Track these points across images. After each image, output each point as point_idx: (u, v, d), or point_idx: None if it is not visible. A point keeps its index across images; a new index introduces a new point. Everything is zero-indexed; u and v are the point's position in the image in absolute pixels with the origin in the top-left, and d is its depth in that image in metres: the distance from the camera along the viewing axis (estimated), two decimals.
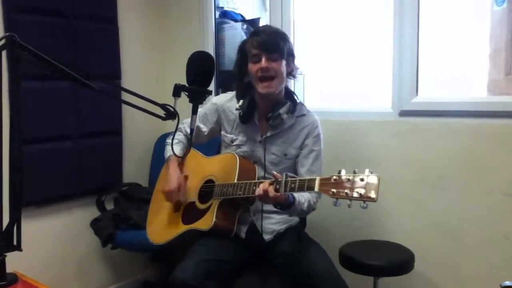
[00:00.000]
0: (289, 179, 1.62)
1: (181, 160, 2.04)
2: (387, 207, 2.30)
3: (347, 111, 2.51)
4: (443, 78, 2.43)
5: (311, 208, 1.92)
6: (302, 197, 1.83)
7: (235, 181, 1.85)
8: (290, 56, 1.94)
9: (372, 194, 1.38)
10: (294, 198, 1.77)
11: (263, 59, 1.86)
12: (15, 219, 1.28)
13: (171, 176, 2.01)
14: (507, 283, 1.35)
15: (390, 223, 2.31)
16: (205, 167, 2.05)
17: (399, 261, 2.02)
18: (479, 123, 2.09)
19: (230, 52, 3.00)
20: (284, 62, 1.90)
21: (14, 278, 1.40)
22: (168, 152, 2.10)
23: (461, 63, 2.41)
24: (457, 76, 2.41)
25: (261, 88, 1.89)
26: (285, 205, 1.77)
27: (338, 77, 2.76)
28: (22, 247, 1.30)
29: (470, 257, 2.14)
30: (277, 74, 1.88)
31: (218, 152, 2.26)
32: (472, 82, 2.45)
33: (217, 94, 2.93)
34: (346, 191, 1.43)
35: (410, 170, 2.27)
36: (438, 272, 2.24)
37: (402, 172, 2.28)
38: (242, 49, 1.95)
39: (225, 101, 2.08)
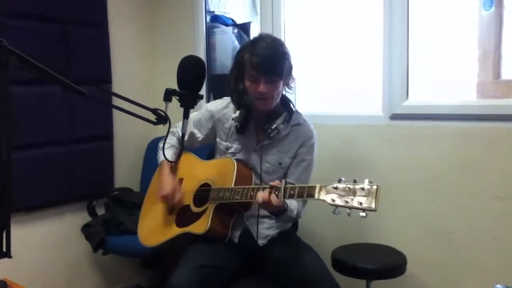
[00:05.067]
0: (288, 185, 1.64)
1: (173, 165, 2.03)
2: (379, 211, 2.29)
3: (338, 115, 2.52)
4: (433, 82, 2.45)
5: (298, 216, 1.95)
6: (292, 205, 1.85)
7: (232, 185, 1.85)
8: (289, 70, 1.90)
9: (372, 204, 1.41)
10: (287, 205, 1.79)
11: (261, 83, 1.82)
12: (4, 225, 1.26)
13: (165, 180, 2.00)
14: (499, 286, 1.36)
15: (382, 226, 2.31)
16: (201, 170, 2.05)
17: (392, 264, 2.03)
18: (469, 126, 2.11)
19: (221, 56, 3.00)
20: (282, 82, 1.88)
21: (4, 285, 1.39)
22: (160, 156, 2.10)
23: (451, 67, 2.42)
24: (447, 80, 2.43)
25: (258, 104, 1.89)
26: (279, 212, 1.79)
27: (328, 81, 2.77)
28: (12, 253, 1.28)
29: (461, 259, 2.15)
30: (273, 95, 1.87)
31: (209, 156, 2.25)
32: (462, 86, 2.47)
33: (208, 98, 2.94)
34: (346, 199, 1.45)
35: (401, 173, 2.28)
36: (430, 275, 2.25)
37: (393, 176, 2.29)
38: (239, 62, 1.90)
39: (220, 109, 2.07)
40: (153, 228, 2.08)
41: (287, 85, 1.95)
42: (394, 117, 2.31)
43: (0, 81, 1.25)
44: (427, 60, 2.39)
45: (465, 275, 2.15)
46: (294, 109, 2.02)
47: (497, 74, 2.39)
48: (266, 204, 1.69)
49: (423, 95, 2.36)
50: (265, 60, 1.81)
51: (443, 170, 2.18)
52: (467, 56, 2.44)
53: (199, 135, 2.10)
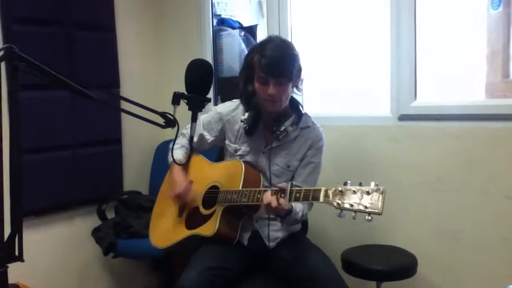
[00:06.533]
0: (294, 188, 1.64)
1: (184, 166, 2.05)
2: (388, 212, 2.26)
3: (346, 116, 2.51)
4: (442, 82, 2.43)
5: (302, 218, 1.94)
6: (298, 207, 1.84)
7: (240, 188, 1.85)
8: (298, 72, 1.90)
9: (378, 207, 1.41)
10: (292, 207, 1.78)
11: (271, 85, 1.81)
12: (16, 229, 1.27)
13: (177, 180, 2.01)
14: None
15: (392, 227, 2.31)
16: (210, 173, 2.05)
17: (402, 265, 2.02)
18: (478, 126, 2.09)
19: (228, 59, 3.01)
20: (291, 84, 1.87)
21: None
22: (171, 157, 2.11)
23: (459, 67, 2.41)
24: (455, 80, 2.42)
25: (266, 106, 1.89)
26: (285, 214, 1.78)
27: (336, 82, 2.76)
28: (24, 257, 1.29)
29: (471, 260, 2.14)
30: (282, 97, 1.86)
31: (218, 158, 2.26)
32: (470, 85, 2.46)
33: (215, 101, 2.94)
34: (351, 202, 1.45)
35: (410, 174, 2.27)
36: (440, 276, 2.23)
37: (402, 176, 2.28)
38: (249, 64, 1.90)
39: (229, 111, 2.07)
40: (163, 230, 2.09)
41: (296, 87, 1.95)
42: (402, 117, 2.30)
43: (11, 86, 1.27)
44: (435, 60, 2.38)
45: (476, 275, 2.13)
46: (303, 112, 2.02)
47: (506, 73, 2.38)
48: (274, 209, 1.69)
49: (431, 95, 2.34)
50: (274, 62, 1.80)
51: (452, 170, 2.17)
52: (475, 56, 2.43)
53: (209, 137, 2.10)
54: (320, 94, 2.77)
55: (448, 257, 2.20)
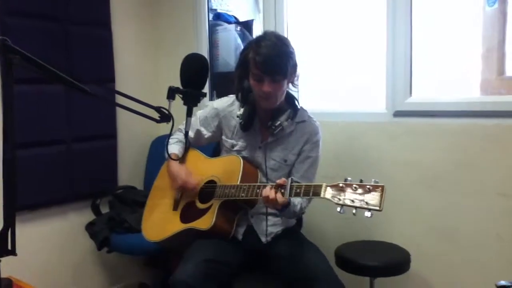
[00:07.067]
0: (294, 184, 1.64)
1: (180, 161, 2.04)
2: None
3: (341, 112, 2.51)
4: (437, 79, 2.44)
5: (301, 211, 1.95)
6: (296, 200, 1.84)
7: (238, 183, 1.85)
8: (293, 68, 1.89)
9: (378, 204, 1.42)
10: (290, 199, 1.77)
11: (265, 83, 1.81)
12: (9, 223, 1.27)
13: (177, 171, 2.03)
14: (503, 282, 1.35)
15: (386, 223, 2.31)
16: (207, 167, 2.05)
17: (395, 261, 2.03)
18: (473, 123, 2.10)
19: (224, 54, 3.00)
20: (286, 81, 1.86)
21: (9, 283, 1.39)
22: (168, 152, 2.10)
23: (454, 64, 2.41)
24: (450, 77, 2.42)
25: (261, 103, 1.89)
26: (283, 207, 1.78)
27: (331, 78, 2.76)
28: (17, 251, 1.29)
29: (465, 256, 2.15)
30: (277, 94, 1.86)
31: (214, 153, 2.26)
32: (465, 82, 2.46)
33: (211, 96, 2.94)
34: (352, 199, 1.46)
35: (405, 170, 2.28)
36: (434, 272, 2.24)
37: (397, 173, 2.28)
38: (244, 60, 1.90)
39: (226, 106, 2.07)
40: (157, 223, 2.09)
41: (292, 82, 1.94)
42: (398, 114, 2.30)
43: (5, 80, 1.26)
44: (430, 57, 2.38)
45: (469, 272, 2.14)
46: (298, 106, 2.01)
47: (501, 70, 2.38)
48: (270, 201, 1.69)
49: (426, 92, 2.35)
50: (268, 60, 1.79)
51: (446, 167, 2.17)
52: (471, 53, 2.43)
53: (206, 133, 2.10)
54: (316, 90, 2.77)
55: (442, 254, 2.21)
